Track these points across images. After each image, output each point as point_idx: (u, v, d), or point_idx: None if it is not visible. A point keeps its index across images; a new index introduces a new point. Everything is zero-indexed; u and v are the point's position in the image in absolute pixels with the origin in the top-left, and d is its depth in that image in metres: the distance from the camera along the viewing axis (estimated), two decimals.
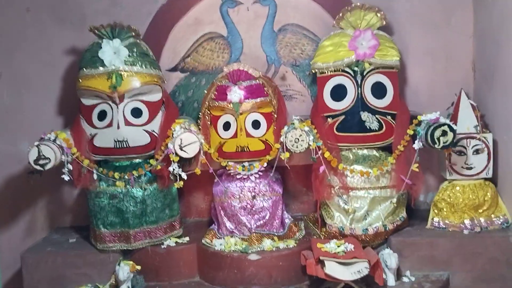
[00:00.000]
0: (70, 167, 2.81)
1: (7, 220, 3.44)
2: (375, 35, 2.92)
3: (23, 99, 3.43)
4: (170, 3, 3.36)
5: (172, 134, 2.82)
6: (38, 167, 2.72)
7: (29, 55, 3.41)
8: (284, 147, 2.77)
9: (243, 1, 3.35)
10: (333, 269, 2.51)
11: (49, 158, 2.72)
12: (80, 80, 2.93)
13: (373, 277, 2.59)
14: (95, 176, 2.89)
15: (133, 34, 2.95)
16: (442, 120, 2.69)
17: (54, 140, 2.80)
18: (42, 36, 3.40)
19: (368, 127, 2.91)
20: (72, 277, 2.91)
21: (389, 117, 2.92)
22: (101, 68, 2.87)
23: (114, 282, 2.82)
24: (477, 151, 2.89)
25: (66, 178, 2.80)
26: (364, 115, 2.89)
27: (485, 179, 2.93)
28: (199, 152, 2.81)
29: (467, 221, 2.88)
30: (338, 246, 2.64)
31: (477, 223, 2.87)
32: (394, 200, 2.89)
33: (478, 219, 2.89)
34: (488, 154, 2.88)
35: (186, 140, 2.77)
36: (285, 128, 2.80)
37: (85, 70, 2.92)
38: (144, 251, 2.94)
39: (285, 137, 2.76)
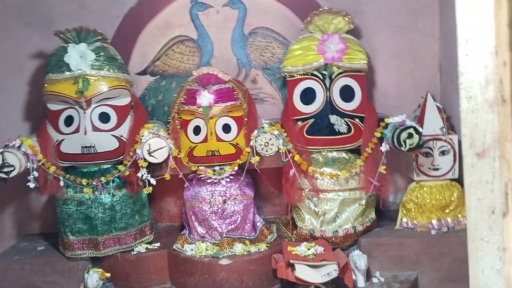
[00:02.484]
0: (36, 174, 2.75)
1: None
2: (343, 39, 2.94)
3: None
4: (139, 6, 3.33)
5: (141, 139, 2.79)
6: (2, 175, 2.66)
7: None
8: (254, 151, 2.77)
9: (213, 4, 3.34)
10: (303, 272, 2.52)
11: (14, 166, 2.66)
12: (46, 85, 2.87)
13: (343, 279, 2.61)
14: (61, 183, 2.84)
15: (100, 38, 2.91)
16: (408, 122, 2.73)
17: (19, 147, 2.74)
18: (8, 40, 3.32)
19: (337, 130, 2.93)
20: (41, 285, 2.87)
21: (357, 120, 2.95)
22: (67, 73, 2.82)
23: None
24: (443, 152, 2.94)
25: (32, 185, 2.74)
26: (333, 118, 2.91)
27: (452, 179, 2.99)
28: (168, 157, 2.79)
29: (434, 221, 2.94)
30: (308, 249, 2.65)
31: (444, 223, 2.93)
32: (363, 201, 2.92)
33: (445, 219, 2.94)
34: (454, 155, 2.94)
35: (155, 145, 2.75)
36: (255, 132, 2.80)
37: (51, 74, 2.86)
38: (114, 258, 2.90)
39: (255, 141, 2.75)
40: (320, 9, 3.01)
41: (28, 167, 2.74)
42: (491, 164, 0.69)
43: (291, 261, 2.55)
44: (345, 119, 2.93)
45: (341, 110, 2.93)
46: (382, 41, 3.33)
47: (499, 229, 0.69)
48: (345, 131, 2.94)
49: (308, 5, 3.20)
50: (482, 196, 0.71)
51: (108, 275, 2.77)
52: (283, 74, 3.02)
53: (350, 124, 2.94)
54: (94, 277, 2.70)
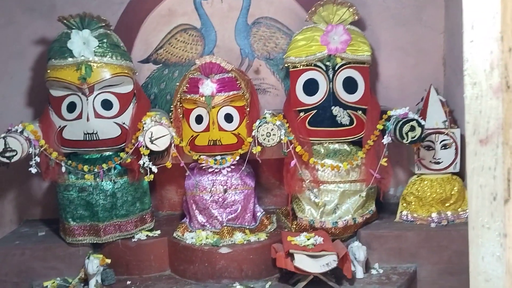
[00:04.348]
0: (38, 159, 2.76)
1: None
2: (347, 30, 2.93)
3: None
4: None
5: (143, 127, 2.79)
6: (4, 160, 2.67)
7: None
8: (256, 141, 2.77)
9: None
10: (302, 262, 2.53)
11: (16, 151, 2.67)
12: (49, 71, 2.87)
13: (342, 270, 2.62)
14: (63, 169, 2.85)
15: (104, 24, 2.90)
16: (411, 115, 2.73)
17: (21, 132, 2.75)
18: (11, 25, 3.32)
19: (339, 122, 2.93)
20: (41, 270, 2.90)
21: (360, 112, 2.95)
22: (70, 59, 2.83)
23: (83, 276, 2.81)
24: (445, 146, 2.94)
25: (34, 170, 2.75)
26: (336, 110, 2.92)
27: (453, 173, 2.99)
28: (170, 145, 2.79)
29: (434, 215, 2.94)
30: (308, 239, 2.66)
31: (444, 217, 2.93)
32: (364, 193, 2.93)
33: (445, 212, 2.95)
34: (456, 149, 2.94)
35: (157, 133, 2.75)
36: (257, 122, 2.80)
37: (53, 60, 2.87)
38: (115, 245, 2.92)
39: (257, 131, 2.76)
40: (324, 0, 2.99)
41: (30, 152, 2.75)
42: (494, 150, 0.69)
43: (291, 251, 2.56)
44: (347, 111, 2.93)
45: (343, 101, 2.93)
46: (386, 33, 3.32)
47: (501, 216, 0.70)
48: (347, 123, 2.94)
49: None
50: (484, 182, 0.71)
51: (109, 261, 2.79)
52: (286, 65, 3.02)
53: (353, 116, 2.94)
54: (94, 263, 2.72)
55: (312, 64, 2.94)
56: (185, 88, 2.90)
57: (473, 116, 0.72)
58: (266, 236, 2.89)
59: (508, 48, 0.66)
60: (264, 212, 3.09)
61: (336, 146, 2.99)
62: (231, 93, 2.87)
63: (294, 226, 2.97)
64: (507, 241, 0.70)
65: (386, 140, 2.80)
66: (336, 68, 2.92)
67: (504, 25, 0.66)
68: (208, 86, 2.83)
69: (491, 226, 0.71)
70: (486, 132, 0.69)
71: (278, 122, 2.78)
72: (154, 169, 2.80)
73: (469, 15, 0.70)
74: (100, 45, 2.84)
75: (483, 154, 0.70)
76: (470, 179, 0.75)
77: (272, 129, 2.74)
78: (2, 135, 2.69)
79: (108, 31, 2.93)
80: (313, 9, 2.98)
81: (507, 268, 0.70)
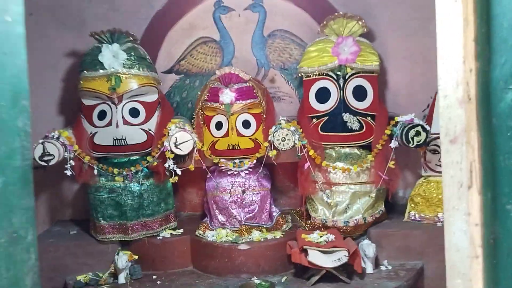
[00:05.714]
0: (73, 163, 3.00)
1: None
2: (357, 42, 3.13)
3: None
4: (166, 9, 3.56)
5: (168, 132, 3.02)
6: (43, 163, 2.91)
7: (32, 57, 3.53)
8: (272, 145, 2.98)
9: (235, 8, 3.56)
10: (315, 257, 2.72)
11: (53, 155, 2.91)
12: (81, 82, 3.11)
13: (353, 265, 2.80)
14: (95, 172, 3.08)
15: (131, 39, 3.15)
16: (416, 121, 2.91)
17: (58, 138, 2.99)
18: (44, 39, 3.55)
19: (349, 127, 3.12)
20: (73, 266, 3.09)
21: (369, 118, 3.13)
22: (101, 71, 3.06)
23: (113, 270, 3.01)
24: None
25: (69, 173, 2.99)
26: (346, 116, 3.10)
27: None
28: (193, 149, 3.02)
29: (440, 214, 3.11)
30: (320, 237, 2.86)
31: None
32: (373, 194, 3.11)
33: None
34: None
35: (181, 138, 2.98)
36: (273, 127, 3.01)
37: (86, 72, 3.11)
38: (141, 242, 3.13)
39: (273, 136, 2.97)
40: (336, 13, 3.20)
41: (65, 156, 2.99)
42: (460, 148, 0.88)
43: (305, 247, 2.75)
44: (357, 117, 3.12)
45: (353, 108, 3.12)
46: (395, 44, 3.49)
47: (466, 199, 0.89)
48: (357, 129, 3.13)
49: (325, 9, 3.39)
50: (453, 174, 0.91)
51: (136, 257, 2.98)
52: (299, 74, 3.23)
53: (362, 122, 3.12)
54: (123, 258, 2.92)
55: (324, 74, 3.14)
56: (206, 97, 3.12)
57: (445, 122, 0.92)
58: (282, 234, 3.08)
59: (469, 69, 0.86)
60: (280, 212, 3.29)
61: (347, 150, 3.18)
62: (248, 101, 3.08)
63: (308, 225, 3.16)
64: (470, 219, 0.89)
65: (394, 144, 2.99)
66: (346, 77, 3.11)
67: (466, 52, 0.86)
68: (227, 95, 3.05)
69: (459, 208, 0.90)
70: (454, 134, 0.89)
71: (292, 128, 2.98)
72: (178, 171, 3.03)
73: (441, 43, 0.91)
74: (128, 57, 3.07)
75: (453, 152, 0.90)
76: (444, 171, 0.95)
77: (286, 134, 2.95)
78: (41, 141, 2.93)
79: (135, 45, 3.17)
80: (324, 22, 3.18)
81: (471, 240, 0.90)
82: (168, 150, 2.98)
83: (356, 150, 3.17)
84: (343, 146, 3.17)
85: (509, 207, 0.82)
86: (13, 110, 0.91)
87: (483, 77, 0.84)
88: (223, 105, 3.06)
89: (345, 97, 3.12)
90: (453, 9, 0.87)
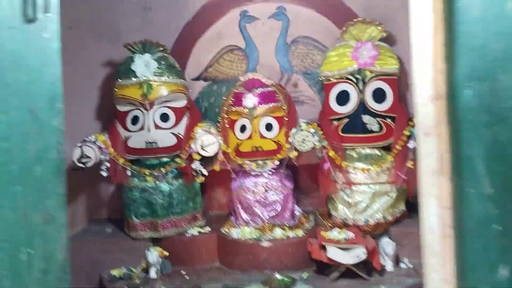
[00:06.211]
0: (108, 164, 3.23)
1: None
2: (376, 46, 3.22)
3: (66, 105, 3.85)
4: (195, 19, 3.76)
5: (195, 136, 3.21)
6: (81, 165, 3.15)
7: (72, 67, 3.81)
8: (293, 146, 3.11)
9: (259, 17, 3.72)
10: (334, 253, 2.83)
11: (90, 157, 3.15)
12: (116, 90, 3.34)
13: (372, 263, 2.89)
14: (128, 173, 3.30)
15: (161, 49, 3.35)
16: None
17: (95, 142, 3.23)
18: (83, 51, 3.81)
19: (369, 129, 3.21)
20: (108, 261, 3.27)
21: (388, 120, 3.21)
22: (133, 79, 3.27)
23: (145, 265, 3.19)
24: None
25: (104, 174, 3.22)
26: (366, 118, 3.20)
27: None
28: (218, 151, 3.19)
29: None
30: (340, 234, 2.96)
31: None
32: (393, 194, 3.18)
33: None
34: None
35: (207, 141, 3.16)
36: (293, 130, 3.15)
37: (120, 80, 3.33)
38: (171, 239, 3.32)
39: (293, 138, 3.10)
40: (355, 19, 3.30)
41: (101, 159, 3.22)
42: (432, 140, 0.99)
43: (324, 244, 2.87)
44: (377, 119, 3.21)
45: (373, 110, 3.21)
46: None
47: (438, 185, 1.00)
48: (377, 130, 3.21)
49: (346, 15, 3.51)
50: (428, 163, 1.02)
51: (166, 253, 3.17)
52: (320, 78, 3.35)
53: (382, 124, 3.21)
54: (154, 254, 3.11)
55: (344, 77, 3.24)
56: (230, 101, 3.29)
57: (420, 117, 1.04)
58: (304, 232, 3.21)
59: (439, 70, 0.98)
60: (302, 212, 3.41)
61: (368, 151, 3.26)
62: (270, 105, 3.22)
63: (329, 224, 3.27)
64: (442, 203, 1.00)
65: (412, 144, 3.06)
66: (365, 80, 3.21)
67: (435, 55, 0.98)
68: (250, 99, 3.21)
69: (432, 193, 1.01)
70: (428, 128, 1.00)
71: (312, 130, 3.11)
72: (205, 172, 3.21)
73: (415, 48, 1.03)
74: (159, 66, 3.28)
75: (427, 143, 1.01)
76: (421, 161, 1.06)
77: (307, 136, 3.07)
78: (79, 144, 3.18)
79: (165, 54, 3.38)
80: (344, 28, 3.30)
81: (442, 221, 1.00)
82: (195, 152, 3.16)
83: (376, 151, 3.25)
84: (363, 147, 3.26)
85: (470, 191, 0.93)
86: (49, 112, 1.10)
87: (450, 77, 0.95)
88: (246, 109, 3.22)
89: (364, 100, 3.21)
90: (425, 17, 0.99)
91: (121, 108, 3.35)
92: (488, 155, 0.85)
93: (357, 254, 2.81)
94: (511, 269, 0.81)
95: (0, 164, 0.96)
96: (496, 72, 0.81)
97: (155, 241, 3.34)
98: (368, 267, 2.94)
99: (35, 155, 1.06)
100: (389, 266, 2.99)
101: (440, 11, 0.96)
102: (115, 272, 3.17)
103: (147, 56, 3.28)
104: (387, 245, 2.97)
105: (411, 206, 3.37)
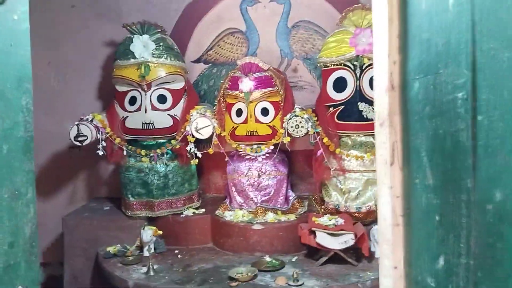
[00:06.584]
0: (104, 144, 3.28)
1: (52, 189, 3.99)
2: None
3: (67, 84, 3.94)
4: (195, 1, 3.78)
5: (190, 118, 3.24)
6: (77, 143, 3.21)
7: (73, 46, 3.90)
8: (286, 132, 3.13)
9: (261, 0, 3.71)
10: (323, 239, 2.86)
11: (86, 136, 3.20)
12: (115, 70, 3.38)
13: (361, 249, 2.92)
14: (125, 153, 3.35)
15: (160, 30, 3.37)
16: None
17: (91, 121, 3.28)
18: (85, 30, 3.88)
19: (365, 116, 3.20)
20: (105, 238, 3.37)
21: None
22: (132, 60, 3.30)
23: (139, 243, 3.27)
24: None
25: (101, 153, 3.28)
26: (362, 105, 3.18)
27: None
28: (212, 134, 3.22)
29: None
30: (330, 220, 2.99)
31: None
32: None
33: None
34: None
35: (201, 123, 3.19)
36: (288, 115, 3.16)
37: (119, 61, 3.37)
38: (166, 219, 3.38)
39: (287, 123, 3.11)
40: (355, 5, 3.28)
41: (98, 138, 3.28)
42: (385, 130, 1.00)
43: (313, 229, 2.90)
44: (373, 106, 3.19)
45: (369, 98, 3.20)
46: None
47: (389, 175, 1.01)
48: (373, 118, 3.20)
49: (347, 0, 3.48)
50: (381, 152, 1.03)
51: (160, 232, 3.23)
52: (318, 64, 3.34)
53: None
54: (148, 233, 3.17)
55: (342, 64, 3.23)
56: (227, 85, 3.31)
57: (377, 107, 1.05)
58: (296, 217, 3.24)
59: (393, 61, 0.98)
60: (296, 197, 3.44)
61: (363, 138, 3.26)
62: (267, 89, 3.23)
63: (322, 210, 3.30)
64: (393, 192, 1.02)
65: None
66: (363, 68, 3.20)
67: (390, 46, 0.98)
68: (246, 84, 3.22)
69: (385, 182, 1.03)
70: (383, 118, 1.02)
71: (306, 116, 3.12)
72: (199, 154, 3.25)
73: (375, 40, 1.04)
74: (157, 47, 3.30)
75: (381, 133, 1.02)
76: (376, 151, 1.07)
77: (300, 122, 3.09)
78: (76, 123, 3.23)
79: (164, 36, 3.40)
80: (343, 14, 3.27)
81: (393, 210, 1.02)
82: (190, 134, 3.20)
83: (371, 139, 3.24)
84: (359, 135, 3.26)
85: (416, 181, 0.94)
86: (17, 91, 1.13)
87: (403, 68, 0.96)
88: (242, 93, 3.23)
89: (361, 87, 3.20)
90: (381, 9, 0.99)
91: (120, 88, 3.39)
92: (430, 146, 0.87)
93: (345, 240, 2.84)
94: (445, 258, 0.83)
95: None
96: (438, 67, 0.82)
97: (151, 220, 3.41)
98: (357, 253, 2.97)
99: (2, 134, 1.10)
100: (378, 252, 3.00)
101: (396, 2, 0.97)
102: (110, 249, 3.25)
103: (145, 37, 3.30)
104: (377, 232, 2.99)
105: None
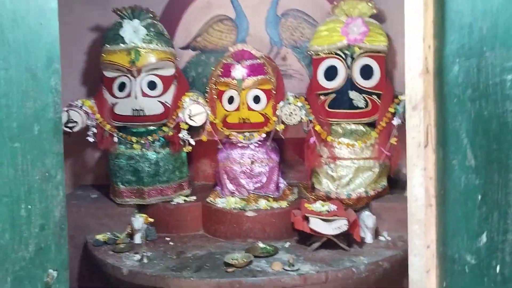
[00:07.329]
0: (95, 130, 3.23)
1: None
2: (366, 23, 3.24)
3: None
4: None
5: (183, 105, 3.22)
6: (67, 130, 3.14)
7: (60, 31, 3.78)
8: (280, 119, 3.15)
9: None
10: (316, 224, 2.91)
11: (77, 122, 3.14)
12: (104, 55, 3.31)
13: (352, 234, 2.98)
14: (115, 139, 3.31)
15: (151, 15, 3.32)
16: None
17: (81, 107, 3.22)
18: (70, 14, 3.76)
19: (355, 105, 3.25)
20: (94, 226, 3.32)
21: (374, 96, 3.26)
22: (121, 45, 3.25)
23: (130, 231, 3.24)
24: None
25: (91, 139, 3.22)
26: (352, 94, 3.24)
27: None
28: (206, 121, 3.21)
29: None
30: (322, 206, 3.04)
31: None
32: (376, 169, 3.26)
33: None
34: None
35: (195, 110, 3.18)
36: (281, 103, 3.18)
37: (108, 46, 3.30)
38: (156, 207, 3.36)
39: (281, 111, 3.13)
40: None
41: (88, 124, 3.22)
42: (418, 114, 1.03)
43: (307, 215, 2.94)
44: (363, 95, 3.25)
45: (360, 87, 3.25)
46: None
47: (423, 157, 1.05)
48: (363, 106, 3.26)
49: None
50: (414, 135, 1.06)
51: (151, 220, 3.22)
52: (309, 53, 3.37)
53: (368, 100, 3.25)
54: (139, 220, 3.16)
55: (333, 52, 3.27)
56: (219, 72, 3.30)
57: (409, 91, 1.08)
58: (287, 204, 3.28)
59: (428, 46, 1.01)
60: (286, 184, 3.48)
61: (353, 126, 3.32)
62: (259, 77, 3.24)
63: (313, 196, 3.34)
64: (426, 173, 1.05)
65: (396, 121, 3.12)
66: (354, 56, 3.24)
67: (425, 31, 1.01)
68: (239, 71, 3.22)
69: (418, 164, 1.06)
70: (416, 101, 1.05)
71: (299, 104, 3.15)
72: (192, 141, 3.23)
73: (407, 26, 1.07)
74: (147, 33, 3.25)
75: (414, 116, 1.06)
76: (407, 133, 1.11)
77: (294, 110, 3.11)
78: (65, 109, 3.16)
79: (155, 21, 3.35)
80: (335, 3, 3.30)
81: (426, 191, 1.06)
82: (183, 121, 3.18)
83: (361, 127, 3.31)
84: (349, 123, 3.31)
85: (454, 163, 0.98)
86: (47, 71, 1.11)
87: (439, 53, 0.99)
88: (234, 80, 3.23)
89: (352, 76, 3.25)
90: None
91: (108, 74, 3.33)
92: (472, 128, 0.90)
93: (338, 226, 2.90)
94: (488, 235, 0.87)
95: (0, 120, 0.98)
96: (483, 50, 0.85)
97: (141, 208, 3.38)
98: (348, 239, 3.03)
99: (34, 114, 1.07)
100: (368, 238, 3.08)
101: None
102: (100, 237, 3.21)
103: (136, 22, 3.25)
104: (367, 218, 3.06)
105: (393, 182, 3.47)
